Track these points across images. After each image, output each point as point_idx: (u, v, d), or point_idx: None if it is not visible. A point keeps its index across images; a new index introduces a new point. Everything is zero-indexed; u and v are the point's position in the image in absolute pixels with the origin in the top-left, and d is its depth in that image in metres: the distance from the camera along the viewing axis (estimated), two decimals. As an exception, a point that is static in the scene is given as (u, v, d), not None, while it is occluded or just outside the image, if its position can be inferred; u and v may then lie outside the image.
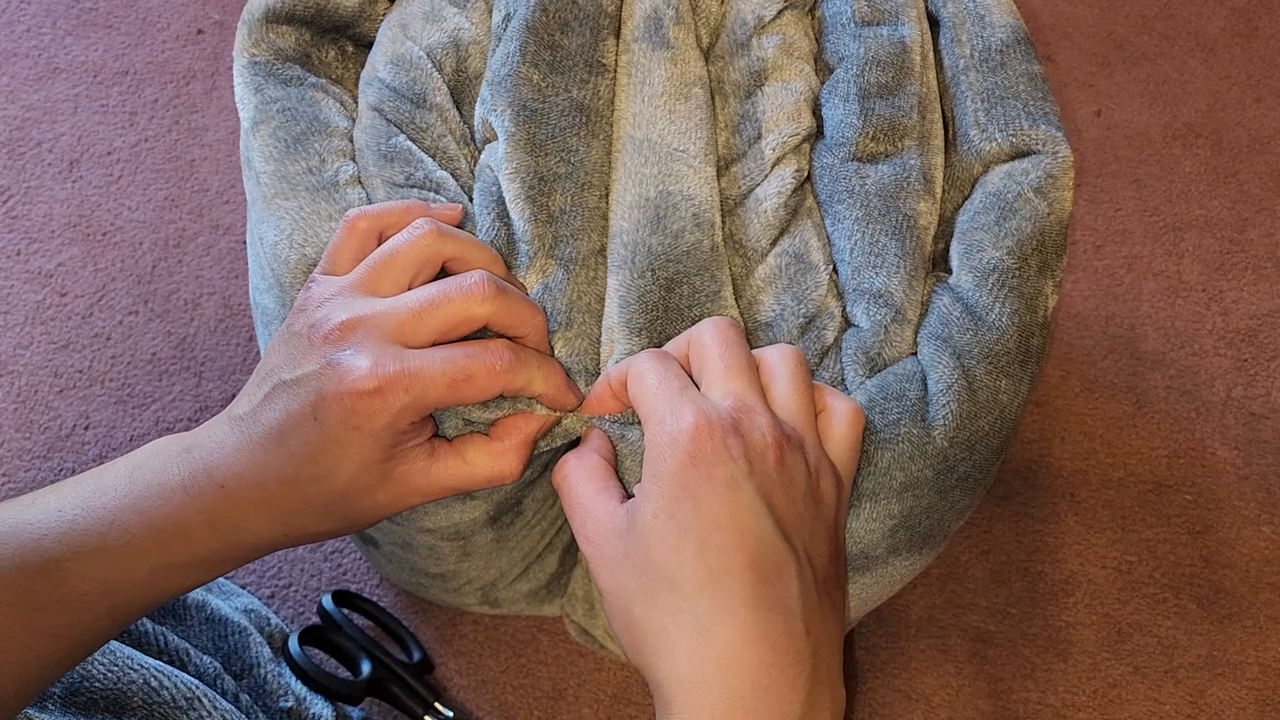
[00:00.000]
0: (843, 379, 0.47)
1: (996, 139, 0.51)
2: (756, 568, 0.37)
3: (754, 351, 0.43)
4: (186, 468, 0.40)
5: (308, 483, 0.40)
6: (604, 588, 0.39)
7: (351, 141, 0.51)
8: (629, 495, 0.41)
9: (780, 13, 0.55)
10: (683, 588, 0.37)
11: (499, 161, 0.49)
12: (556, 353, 0.46)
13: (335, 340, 0.40)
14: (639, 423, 0.45)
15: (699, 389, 0.41)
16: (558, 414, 0.45)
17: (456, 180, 0.50)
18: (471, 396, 0.41)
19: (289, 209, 0.48)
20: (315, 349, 0.40)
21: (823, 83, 0.55)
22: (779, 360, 0.42)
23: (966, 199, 0.52)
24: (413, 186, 0.49)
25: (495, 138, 0.50)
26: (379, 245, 0.44)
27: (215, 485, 0.40)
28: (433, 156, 0.51)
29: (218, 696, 0.49)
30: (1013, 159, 0.51)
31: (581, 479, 0.42)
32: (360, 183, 0.50)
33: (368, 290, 0.42)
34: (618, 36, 0.53)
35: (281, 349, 0.41)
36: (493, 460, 0.43)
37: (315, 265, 0.47)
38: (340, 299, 0.41)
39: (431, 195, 0.49)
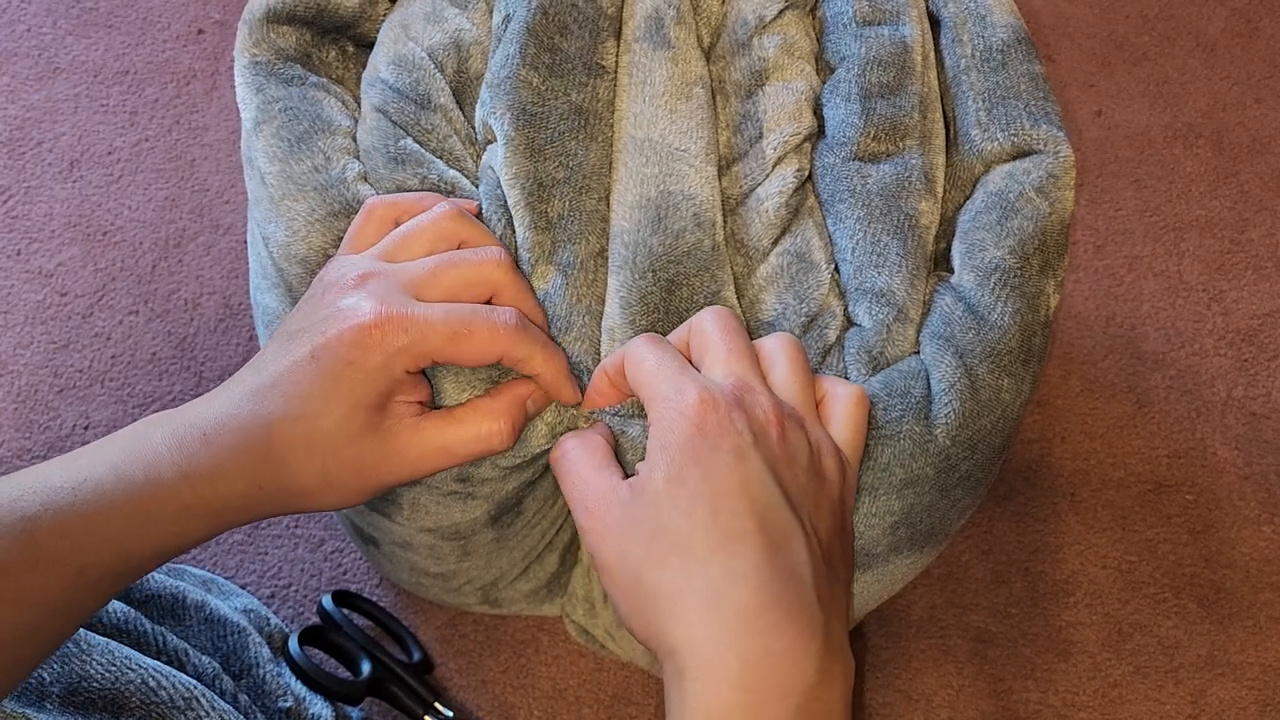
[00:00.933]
0: (845, 378, 0.47)
1: (998, 139, 0.51)
2: (766, 533, 0.37)
3: (752, 342, 0.43)
4: (170, 424, 0.40)
5: (293, 422, 0.40)
6: (606, 559, 0.39)
7: (355, 140, 0.51)
8: (626, 475, 0.41)
9: (781, 12, 0.55)
10: (695, 551, 0.37)
11: (499, 165, 0.49)
12: None
13: (348, 288, 0.41)
14: (638, 416, 0.45)
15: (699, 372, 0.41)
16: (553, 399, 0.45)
17: (465, 179, 0.50)
18: (470, 354, 0.41)
19: (300, 210, 0.48)
20: (326, 300, 0.41)
21: (823, 83, 0.55)
22: (776, 347, 0.43)
23: (968, 198, 0.52)
24: (427, 190, 0.49)
25: (496, 140, 0.50)
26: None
27: (197, 434, 0.40)
28: (440, 158, 0.51)
29: (216, 697, 0.49)
30: (1014, 159, 0.52)
31: (582, 455, 0.42)
32: (367, 180, 0.50)
33: (386, 260, 0.43)
34: (617, 38, 0.53)
35: (294, 314, 0.43)
36: (481, 417, 0.43)
37: (325, 261, 0.47)
38: (357, 262, 0.43)
39: (448, 196, 0.49)
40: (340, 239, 0.47)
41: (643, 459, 0.39)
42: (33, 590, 0.38)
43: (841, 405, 0.43)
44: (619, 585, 0.39)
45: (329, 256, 0.47)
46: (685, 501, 0.37)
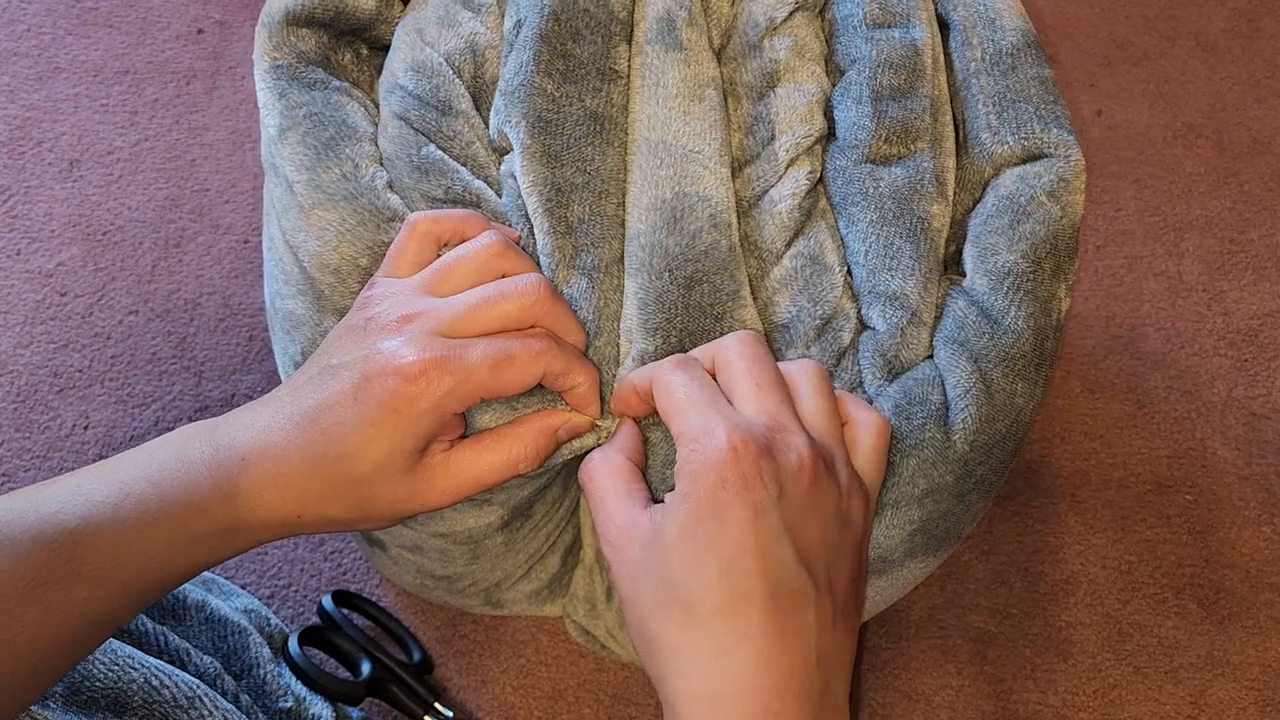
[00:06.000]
0: (860, 382, 0.47)
1: (1008, 142, 0.51)
2: (775, 596, 0.37)
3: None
4: (209, 442, 0.41)
5: (333, 461, 0.40)
6: (623, 595, 0.40)
7: (378, 146, 0.51)
8: (654, 498, 0.41)
9: (791, 14, 0.55)
10: (699, 610, 0.37)
11: (518, 172, 0.49)
12: None
13: (390, 330, 0.41)
14: (659, 423, 0.45)
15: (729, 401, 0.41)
16: (587, 424, 0.45)
17: (490, 188, 0.50)
18: (513, 380, 0.41)
19: (331, 220, 0.47)
20: (368, 337, 0.41)
21: (833, 85, 0.55)
22: (802, 376, 0.42)
23: (978, 202, 0.52)
24: (451, 201, 0.49)
25: (512, 148, 0.50)
26: (436, 250, 0.45)
27: (236, 458, 0.40)
28: (464, 164, 0.50)
29: (218, 696, 0.49)
30: (1024, 162, 0.52)
31: (607, 481, 0.42)
32: (394, 189, 0.49)
33: (429, 292, 0.43)
34: (629, 42, 0.53)
35: (334, 341, 0.42)
36: (509, 444, 0.43)
37: (357, 270, 0.47)
38: (401, 296, 0.43)
39: (474, 209, 0.49)
40: (371, 248, 0.47)
41: (663, 466, 0.39)
42: (75, 602, 0.39)
43: (865, 434, 0.42)
44: (631, 624, 0.40)
45: (360, 266, 0.47)
46: (695, 558, 0.37)
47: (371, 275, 0.47)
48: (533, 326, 0.43)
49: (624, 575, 0.39)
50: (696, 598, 0.37)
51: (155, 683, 0.47)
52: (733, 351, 0.42)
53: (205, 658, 0.52)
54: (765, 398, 0.40)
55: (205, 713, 0.47)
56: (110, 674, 0.46)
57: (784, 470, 0.38)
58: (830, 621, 0.38)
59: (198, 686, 0.48)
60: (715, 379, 0.42)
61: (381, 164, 0.50)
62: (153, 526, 0.39)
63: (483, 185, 0.49)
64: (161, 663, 0.48)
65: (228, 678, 0.53)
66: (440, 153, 0.50)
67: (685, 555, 0.37)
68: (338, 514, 0.42)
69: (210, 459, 0.40)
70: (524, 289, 0.42)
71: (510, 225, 0.48)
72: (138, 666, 0.47)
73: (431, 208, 0.48)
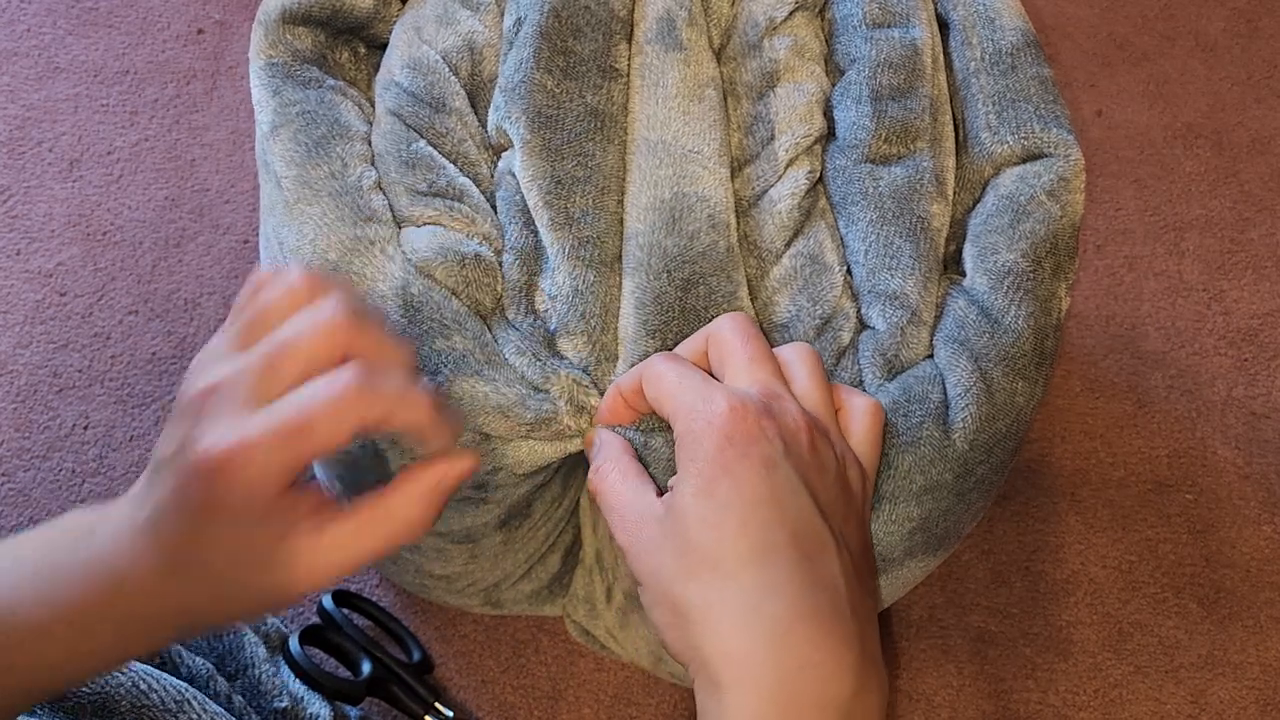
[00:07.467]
0: (860, 381, 0.47)
1: (1008, 141, 0.51)
2: (799, 545, 0.36)
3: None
4: (86, 553, 0.37)
5: (182, 570, 0.37)
6: (642, 574, 0.39)
7: (371, 145, 0.51)
8: (662, 492, 0.41)
9: (791, 14, 0.55)
10: (725, 565, 0.36)
11: (518, 168, 0.49)
12: (590, 356, 0.46)
13: (194, 412, 0.36)
14: (658, 429, 0.45)
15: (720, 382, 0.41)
16: (474, 461, 0.40)
17: (478, 186, 0.50)
18: (322, 443, 0.35)
19: (312, 215, 0.47)
20: (180, 423, 0.37)
21: (833, 85, 0.55)
22: (796, 357, 0.42)
23: (977, 201, 0.52)
24: (435, 195, 0.49)
25: (511, 145, 0.50)
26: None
27: (108, 572, 0.37)
28: (454, 161, 0.50)
29: (207, 699, 0.48)
30: (1024, 161, 0.52)
31: (618, 478, 0.42)
32: (381, 189, 0.49)
33: (241, 346, 0.38)
34: (629, 41, 0.53)
35: (169, 422, 0.38)
36: (388, 522, 0.38)
37: (325, 265, 0.46)
38: (210, 361, 0.38)
39: (455, 203, 0.49)
40: (342, 243, 0.46)
41: (666, 472, 0.39)
42: None
43: (859, 417, 0.42)
44: (654, 600, 0.39)
45: (328, 260, 0.46)
46: (714, 515, 0.37)
47: (339, 270, 0.45)
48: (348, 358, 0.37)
49: (641, 554, 0.39)
50: (721, 553, 0.36)
51: (143, 687, 0.46)
52: (726, 329, 0.42)
53: (197, 659, 0.52)
54: (758, 370, 0.40)
55: (194, 716, 0.47)
56: (96, 679, 0.46)
57: (785, 429, 0.38)
58: (854, 575, 0.38)
59: (186, 690, 0.48)
60: (707, 363, 0.42)
61: (372, 164, 0.50)
62: (46, 641, 0.37)
63: (468, 181, 0.49)
64: (149, 667, 0.48)
65: (220, 679, 0.52)
66: (430, 148, 0.50)
67: (703, 514, 0.37)
68: (219, 617, 0.38)
69: (87, 574, 0.37)
70: (318, 323, 0.36)
71: (500, 222, 0.48)
72: (124, 671, 0.46)
73: (414, 201, 0.48)
